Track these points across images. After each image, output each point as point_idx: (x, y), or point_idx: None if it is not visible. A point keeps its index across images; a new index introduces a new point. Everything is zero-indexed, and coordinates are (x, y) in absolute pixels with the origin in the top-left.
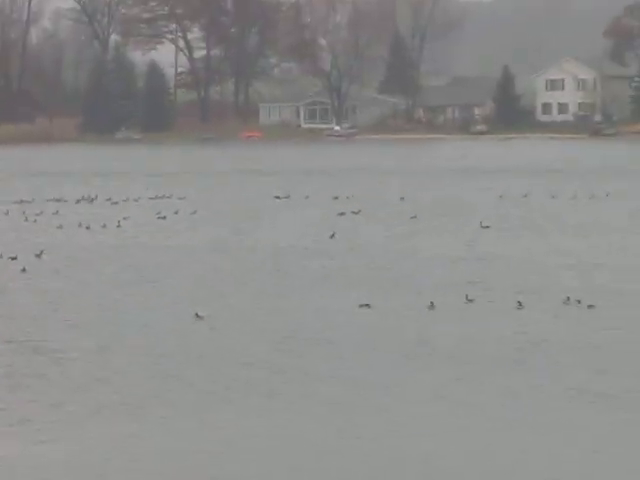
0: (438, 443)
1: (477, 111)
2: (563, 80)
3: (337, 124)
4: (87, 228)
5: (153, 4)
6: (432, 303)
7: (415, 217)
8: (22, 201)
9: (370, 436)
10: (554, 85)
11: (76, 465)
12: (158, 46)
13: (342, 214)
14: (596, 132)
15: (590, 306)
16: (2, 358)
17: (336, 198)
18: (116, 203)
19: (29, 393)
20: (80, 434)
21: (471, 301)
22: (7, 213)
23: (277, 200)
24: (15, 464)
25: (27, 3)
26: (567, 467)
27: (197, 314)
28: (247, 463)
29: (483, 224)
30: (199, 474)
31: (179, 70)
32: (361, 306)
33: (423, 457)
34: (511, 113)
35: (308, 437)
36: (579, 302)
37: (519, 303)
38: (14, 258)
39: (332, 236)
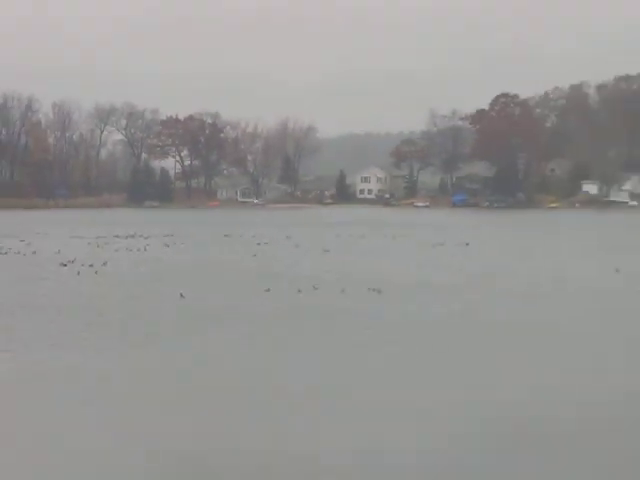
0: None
1: (327, 193)
2: (370, 177)
3: (256, 199)
4: (130, 250)
5: (163, 138)
6: (299, 290)
7: (297, 246)
8: (97, 237)
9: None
10: (366, 180)
11: (92, 370)
12: (165, 159)
13: (259, 244)
14: (387, 204)
15: (379, 291)
16: (70, 319)
17: (254, 236)
18: (146, 238)
19: (80, 335)
20: (103, 356)
21: (316, 289)
22: (89, 243)
23: (225, 237)
24: (53, 370)
25: (99, 136)
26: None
27: (181, 294)
28: (214, 373)
29: (325, 249)
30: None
31: (176, 171)
32: (265, 290)
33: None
34: (344, 194)
35: (233, 354)
36: (374, 289)
37: (342, 290)
38: (91, 265)
39: (254, 255)
